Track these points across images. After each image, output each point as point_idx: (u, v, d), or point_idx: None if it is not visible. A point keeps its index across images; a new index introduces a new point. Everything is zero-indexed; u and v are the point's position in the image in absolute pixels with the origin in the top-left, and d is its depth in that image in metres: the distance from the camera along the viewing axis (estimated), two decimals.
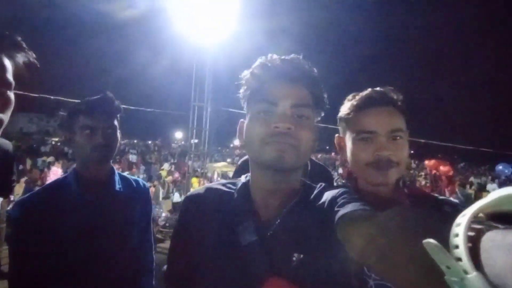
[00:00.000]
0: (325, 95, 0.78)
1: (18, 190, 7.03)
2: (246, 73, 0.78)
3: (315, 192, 0.79)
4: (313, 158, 1.68)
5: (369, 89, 0.94)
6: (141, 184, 1.35)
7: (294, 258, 0.68)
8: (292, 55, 0.76)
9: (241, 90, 0.79)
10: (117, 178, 1.26)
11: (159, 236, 7.05)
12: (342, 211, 0.63)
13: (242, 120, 0.81)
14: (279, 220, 0.73)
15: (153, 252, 1.43)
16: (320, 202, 0.74)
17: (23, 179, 7.72)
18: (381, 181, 0.88)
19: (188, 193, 0.90)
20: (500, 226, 0.29)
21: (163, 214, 8.02)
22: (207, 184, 0.90)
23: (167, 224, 7.66)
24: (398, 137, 0.89)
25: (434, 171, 11.50)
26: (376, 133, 0.88)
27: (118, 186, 1.25)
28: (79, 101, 1.21)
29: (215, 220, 0.76)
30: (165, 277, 0.86)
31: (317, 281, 0.67)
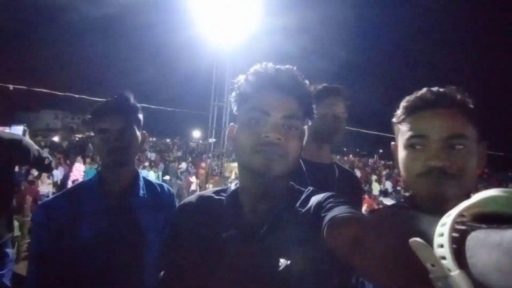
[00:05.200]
0: (314, 106, 0.79)
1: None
2: (240, 78, 0.79)
3: (303, 197, 0.79)
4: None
5: (425, 89, 0.81)
6: (166, 189, 1.30)
7: (280, 264, 0.68)
8: (287, 66, 0.76)
9: (233, 94, 0.80)
10: (141, 183, 1.22)
11: None
12: (329, 215, 0.62)
13: (232, 124, 0.82)
14: (266, 226, 0.73)
15: None
16: (307, 207, 0.74)
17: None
18: (434, 194, 0.74)
19: (181, 202, 0.92)
20: (483, 226, 0.30)
21: None
22: (200, 192, 0.93)
23: None
24: (458, 145, 0.75)
25: None
26: (427, 138, 0.76)
27: (142, 191, 1.21)
28: (103, 100, 1.20)
29: (205, 227, 0.78)
30: (159, 282, 0.86)
31: (303, 287, 0.67)
